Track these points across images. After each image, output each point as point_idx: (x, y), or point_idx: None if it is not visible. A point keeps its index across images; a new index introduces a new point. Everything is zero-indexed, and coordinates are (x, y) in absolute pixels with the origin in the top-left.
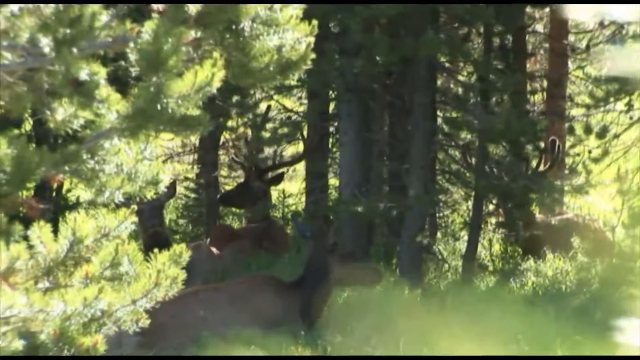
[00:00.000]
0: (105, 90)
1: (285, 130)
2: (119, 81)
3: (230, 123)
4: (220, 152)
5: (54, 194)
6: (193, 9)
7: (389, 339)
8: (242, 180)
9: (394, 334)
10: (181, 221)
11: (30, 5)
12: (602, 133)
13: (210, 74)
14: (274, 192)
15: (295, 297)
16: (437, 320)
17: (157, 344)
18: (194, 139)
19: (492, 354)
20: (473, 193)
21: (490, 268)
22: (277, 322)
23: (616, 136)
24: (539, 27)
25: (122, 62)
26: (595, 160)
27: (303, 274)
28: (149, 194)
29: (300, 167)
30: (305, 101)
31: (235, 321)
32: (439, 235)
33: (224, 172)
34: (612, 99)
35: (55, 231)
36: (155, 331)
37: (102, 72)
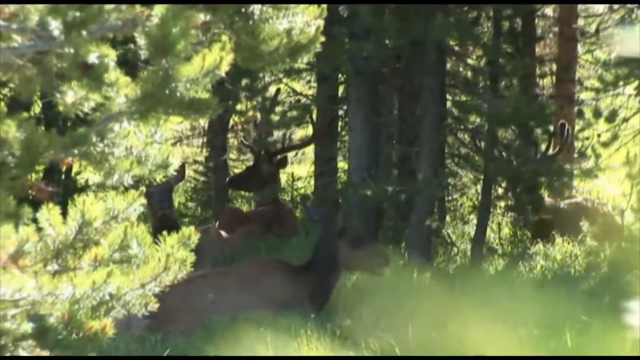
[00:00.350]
0: (114, 74)
1: (294, 113)
2: (129, 64)
3: (239, 106)
4: (230, 135)
5: (63, 176)
6: None
7: (398, 323)
8: (251, 163)
9: (402, 318)
10: (190, 204)
11: None
12: (611, 117)
13: (218, 57)
14: (283, 176)
15: (304, 281)
16: (446, 304)
17: (166, 328)
18: (203, 122)
19: (501, 338)
20: (482, 177)
21: (499, 252)
22: (286, 305)
23: (625, 120)
24: (549, 11)
25: (132, 45)
26: (605, 144)
27: (312, 258)
28: (158, 177)
29: (309, 150)
30: (314, 85)
31: (244, 305)
32: (448, 219)
33: (233, 155)
34: (621, 83)
35: (64, 214)
36: (164, 314)
37: (111, 55)
